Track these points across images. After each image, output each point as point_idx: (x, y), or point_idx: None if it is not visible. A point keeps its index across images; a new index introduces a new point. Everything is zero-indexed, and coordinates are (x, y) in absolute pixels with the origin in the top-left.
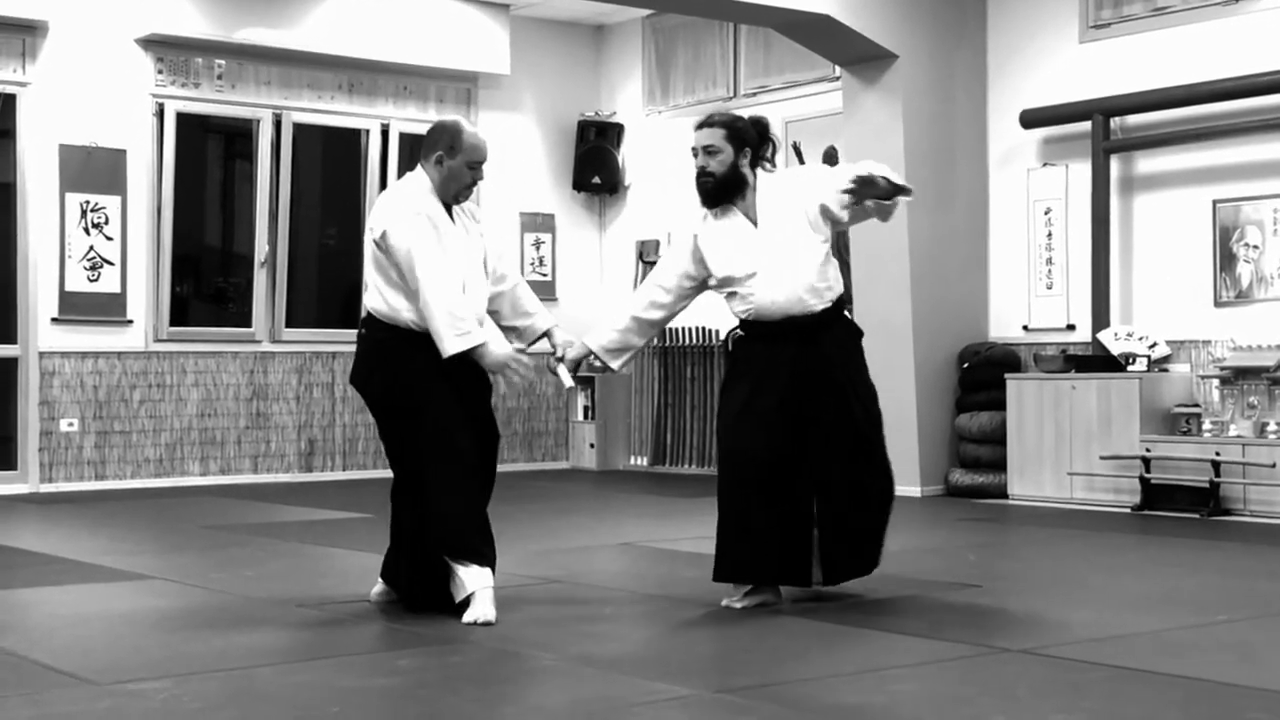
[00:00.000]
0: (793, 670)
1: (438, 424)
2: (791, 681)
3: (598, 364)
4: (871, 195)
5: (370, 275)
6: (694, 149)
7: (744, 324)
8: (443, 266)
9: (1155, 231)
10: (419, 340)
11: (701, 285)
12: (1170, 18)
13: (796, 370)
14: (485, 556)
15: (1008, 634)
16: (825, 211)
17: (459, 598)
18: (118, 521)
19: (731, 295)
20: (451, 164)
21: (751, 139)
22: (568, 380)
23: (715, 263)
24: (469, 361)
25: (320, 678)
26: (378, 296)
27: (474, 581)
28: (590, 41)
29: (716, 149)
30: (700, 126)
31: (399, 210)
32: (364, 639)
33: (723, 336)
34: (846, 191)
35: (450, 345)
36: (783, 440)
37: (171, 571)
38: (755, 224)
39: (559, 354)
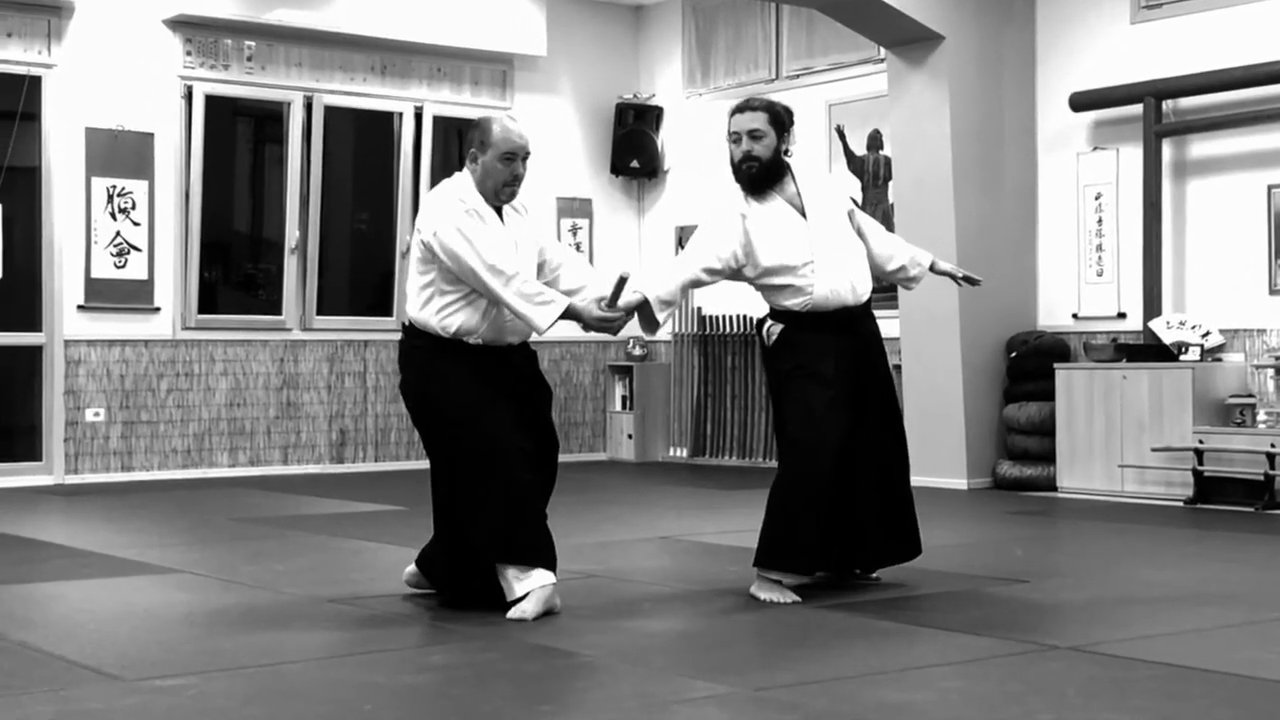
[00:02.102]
0: (835, 667)
1: (481, 429)
2: (834, 679)
3: (637, 350)
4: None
5: (410, 281)
6: (735, 134)
7: (789, 316)
8: (496, 253)
9: (1208, 217)
10: (449, 346)
11: (735, 273)
12: None
13: (851, 360)
14: (538, 557)
15: (1056, 631)
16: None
17: (510, 598)
18: (144, 514)
19: (781, 288)
20: (485, 160)
21: (786, 124)
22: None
23: (766, 251)
24: (518, 367)
25: (352, 674)
26: (414, 302)
27: (525, 583)
28: (629, 22)
29: (761, 133)
30: (740, 110)
31: (446, 207)
32: (397, 635)
33: (764, 331)
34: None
35: (541, 320)
36: (848, 429)
37: (199, 565)
38: (803, 213)
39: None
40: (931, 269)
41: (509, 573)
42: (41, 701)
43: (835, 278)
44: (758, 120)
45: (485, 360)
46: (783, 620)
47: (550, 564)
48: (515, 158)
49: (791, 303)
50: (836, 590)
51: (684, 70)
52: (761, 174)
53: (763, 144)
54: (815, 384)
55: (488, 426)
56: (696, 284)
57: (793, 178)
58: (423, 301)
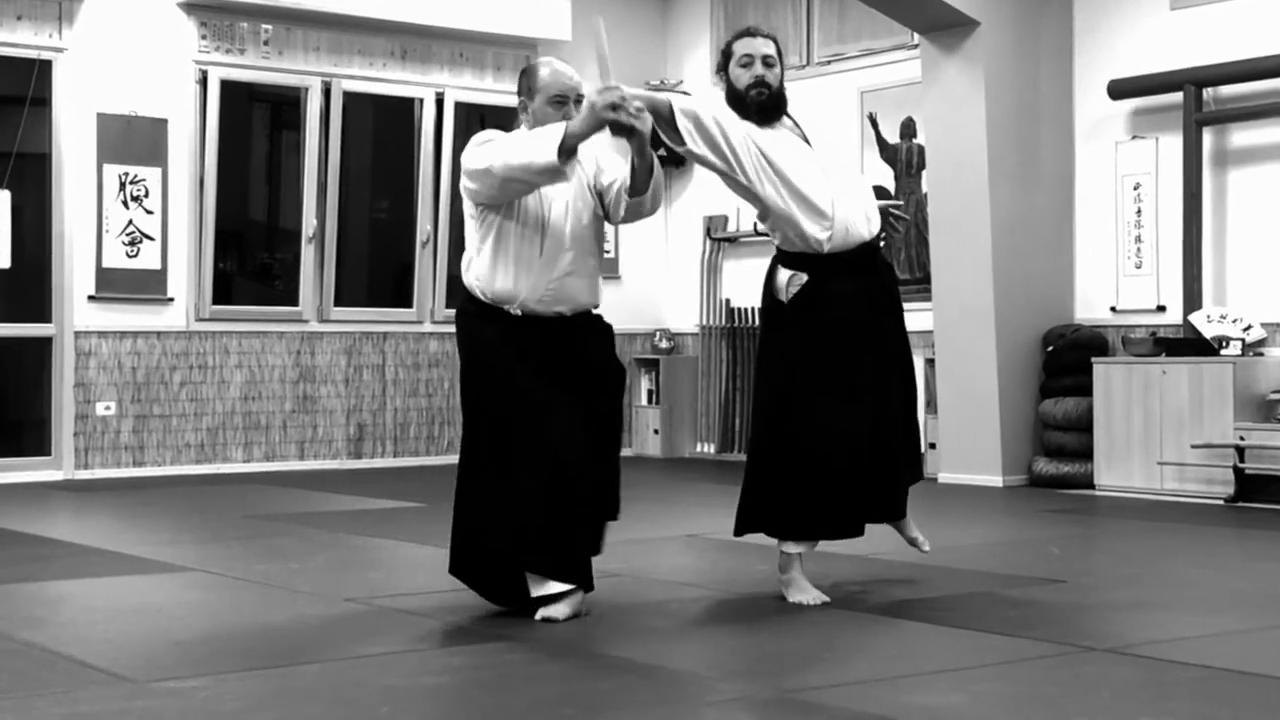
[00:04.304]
0: (866, 669)
1: (504, 409)
2: (864, 681)
3: (663, 344)
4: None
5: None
6: (746, 56)
7: (810, 261)
8: (501, 142)
9: (1250, 208)
10: (488, 312)
11: (757, 181)
12: None
13: (875, 310)
14: (559, 571)
15: (1093, 632)
16: None
17: (534, 594)
18: (156, 510)
19: (803, 217)
20: (534, 106)
21: (783, 62)
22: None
23: (790, 169)
24: (577, 346)
25: (369, 675)
26: (463, 262)
27: (552, 585)
28: (656, 6)
29: (774, 61)
30: (750, 34)
31: (471, 144)
32: (415, 635)
33: (782, 283)
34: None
35: (541, 152)
36: (879, 395)
37: (212, 563)
38: (807, 142)
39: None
40: None
41: (533, 575)
42: (50, 704)
43: (851, 206)
44: (770, 46)
45: (532, 333)
46: (812, 620)
47: (578, 579)
48: (567, 100)
49: (818, 234)
50: (866, 590)
51: (712, 56)
52: (771, 103)
53: (774, 72)
54: (845, 360)
55: (525, 408)
56: (721, 130)
57: (788, 113)
58: (466, 262)
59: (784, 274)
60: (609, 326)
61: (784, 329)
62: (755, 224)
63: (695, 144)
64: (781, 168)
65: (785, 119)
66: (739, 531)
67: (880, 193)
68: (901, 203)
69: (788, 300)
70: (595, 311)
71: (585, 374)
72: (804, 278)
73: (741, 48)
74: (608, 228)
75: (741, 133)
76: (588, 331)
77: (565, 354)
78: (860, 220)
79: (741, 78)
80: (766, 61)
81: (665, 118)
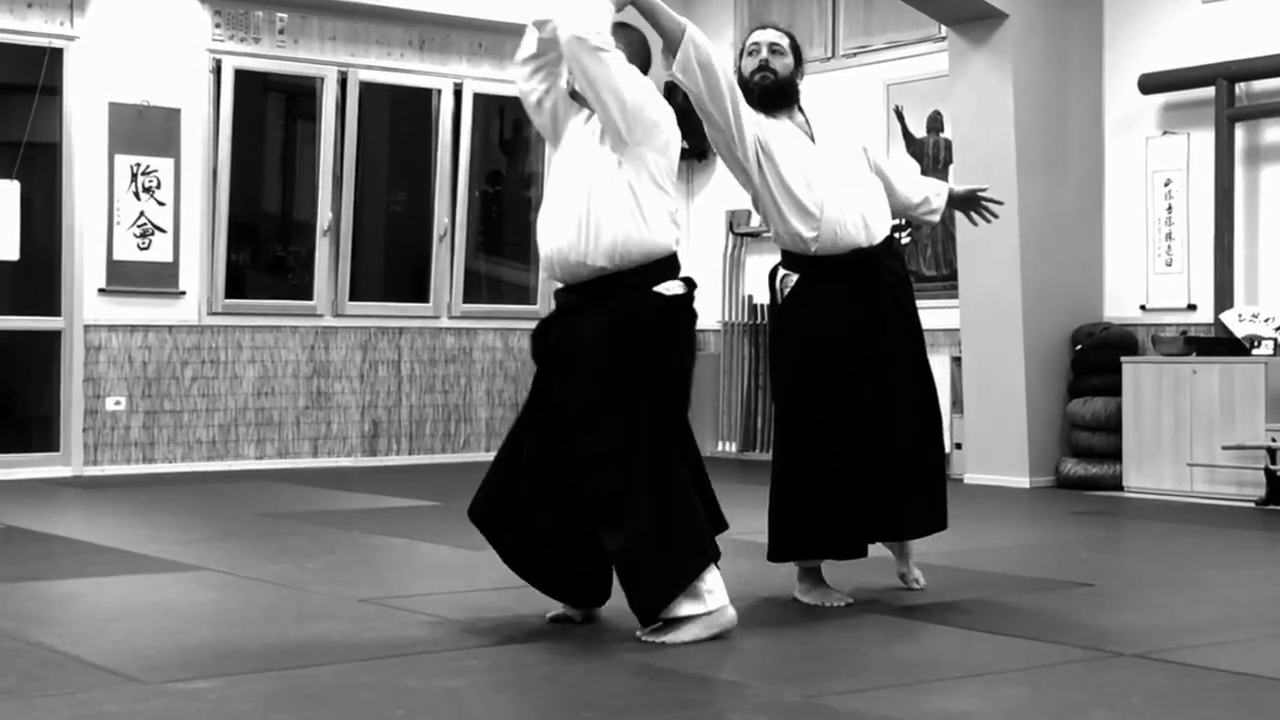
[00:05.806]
0: (890, 674)
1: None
2: (889, 685)
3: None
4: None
5: None
6: (754, 44)
7: (803, 262)
8: None
9: None
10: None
11: (756, 157)
12: None
13: (873, 319)
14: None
15: (1122, 637)
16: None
17: None
18: (167, 508)
19: (793, 213)
20: None
21: (803, 57)
22: None
23: (783, 159)
24: (581, 325)
25: (384, 677)
26: None
27: None
28: (678, 4)
29: (782, 49)
30: (760, 28)
31: None
32: (431, 637)
33: (777, 282)
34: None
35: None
36: (857, 408)
37: (224, 562)
38: (812, 139)
39: None
40: (950, 197)
41: None
42: (58, 705)
43: (847, 209)
44: (780, 38)
45: (562, 312)
46: (834, 623)
47: (563, 596)
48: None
49: (807, 235)
50: (888, 592)
51: (736, 48)
52: (775, 89)
53: (781, 61)
54: (826, 364)
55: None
56: (731, 92)
57: (800, 109)
58: None
59: (780, 272)
60: (637, 290)
61: (777, 333)
62: None
63: (689, 75)
64: (776, 158)
65: (798, 113)
66: (772, 558)
67: None
68: (988, 187)
69: (781, 300)
70: (615, 270)
71: (565, 364)
72: (795, 277)
73: (750, 38)
74: None
75: (752, 115)
76: (593, 302)
77: (566, 337)
78: (855, 225)
79: (746, 66)
80: (773, 49)
81: (672, 37)
